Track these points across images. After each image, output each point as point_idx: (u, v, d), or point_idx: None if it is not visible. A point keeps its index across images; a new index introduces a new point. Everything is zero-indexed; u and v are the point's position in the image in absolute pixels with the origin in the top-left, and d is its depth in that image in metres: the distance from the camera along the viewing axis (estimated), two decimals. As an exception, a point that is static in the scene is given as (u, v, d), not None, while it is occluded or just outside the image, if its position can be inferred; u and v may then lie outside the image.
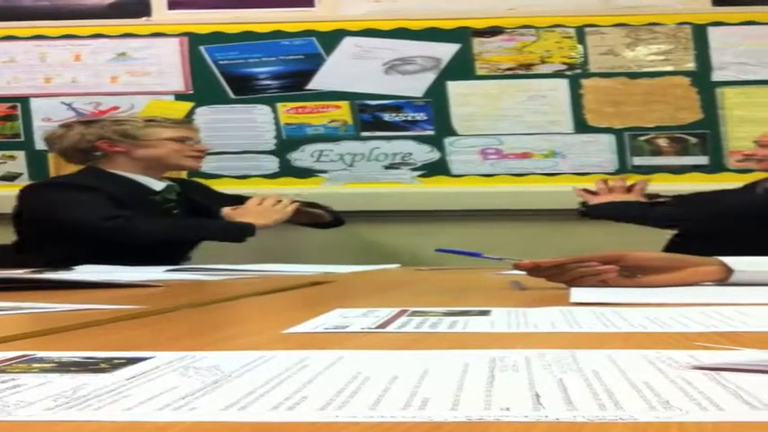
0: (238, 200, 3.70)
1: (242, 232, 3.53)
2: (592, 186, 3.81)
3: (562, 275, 1.78)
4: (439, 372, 0.70)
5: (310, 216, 3.79)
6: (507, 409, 0.56)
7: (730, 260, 1.76)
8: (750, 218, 3.45)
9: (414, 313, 1.21)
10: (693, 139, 4.16)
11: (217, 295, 1.86)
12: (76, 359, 0.80)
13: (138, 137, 3.52)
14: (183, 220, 3.58)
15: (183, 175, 3.93)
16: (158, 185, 3.55)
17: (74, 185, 3.50)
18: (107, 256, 3.10)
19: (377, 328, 1.07)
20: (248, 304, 1.64)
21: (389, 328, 1.06)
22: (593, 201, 3.74)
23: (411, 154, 4.26)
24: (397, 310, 1.25)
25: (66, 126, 3.65)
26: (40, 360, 0.79)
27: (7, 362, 0.78)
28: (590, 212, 3.71)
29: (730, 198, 3.67)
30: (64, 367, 0.75)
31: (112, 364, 0.76)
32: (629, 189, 3.78)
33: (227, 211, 3.60)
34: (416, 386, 0.64)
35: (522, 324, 1.09)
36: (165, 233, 3.44)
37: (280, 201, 3.66)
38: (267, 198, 3.67)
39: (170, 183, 3.61)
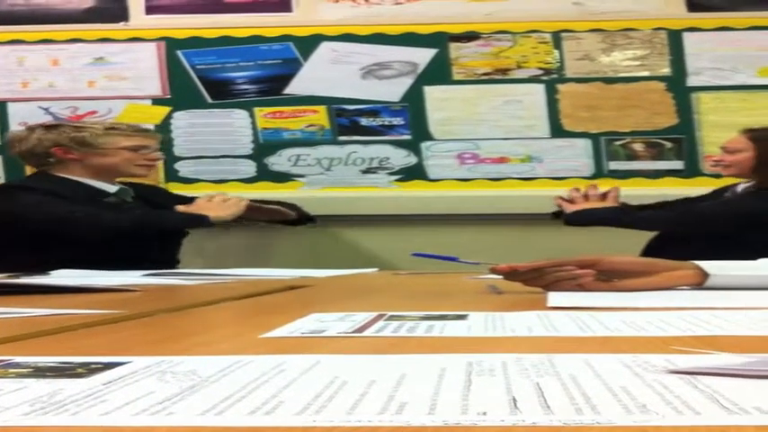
0: (191, 201, 3.72)
1: (195, 221, 3.56)
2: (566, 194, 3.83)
3: (539, 280, 1.78)
4: (416, 376, 0.70)
5: (269, 213, 3.81)
6: (484, 413, 0.56)
7: (706, 264, 1.77)
8: (726, 221, 3.47)
9: (391, 317, 1.21)
10: (669, 144, 4.19)
11: (194, 300, 1.86)
12: (53, 364, 0.79)
13: (94, 145, 3.54)
14: (144, 212, 3.61)
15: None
16: (111, 188, 3.58)
17: (26, 188, 3.54)
18: (86, 259, 3.10)
19: (354, 332, 1.07)
20: (225, 309, 1.64)
21: (366, 333, 1.06)
22: (571, 208, 3.76)
23: (388, 158, 4.27)
24: (374, 314, 1.25)
25: (30, 129, 3.67)
26: (17, 365, 0.79)
27: (-15, 366, 0.78)
28: (571, 220, 3.72)
29: (703, 203, 3.69)
30: (40, 372, 0.75)
31: (89, 369, 0.76)
32: (604, 196, 3.80)
33: (181, 207, 3.63)
34: (393, 390, 0.64)
35: (498, 328, 1.09)
36: (131, 222, 3.46)
37: (228, 199, 3.68)
38: (216, 195, 3.70)
39: (122, 186, 3.63)
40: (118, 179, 3.65)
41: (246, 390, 0.65)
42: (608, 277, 1.79)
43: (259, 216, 3.82)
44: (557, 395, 0.61)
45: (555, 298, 1.52)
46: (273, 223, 3.90)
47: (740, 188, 3.60)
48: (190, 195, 3.82)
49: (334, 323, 1.16)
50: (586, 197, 3.80)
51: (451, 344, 0.97)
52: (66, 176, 3.55)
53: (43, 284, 2.20)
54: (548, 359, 0.77)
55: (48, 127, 3.66)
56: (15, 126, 4.30)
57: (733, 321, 1.13)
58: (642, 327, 1.07)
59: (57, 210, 3.40)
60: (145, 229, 3.51)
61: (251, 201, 3.73)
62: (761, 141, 3.51)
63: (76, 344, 1.05)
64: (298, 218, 3.90)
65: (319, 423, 0.54)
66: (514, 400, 0.60)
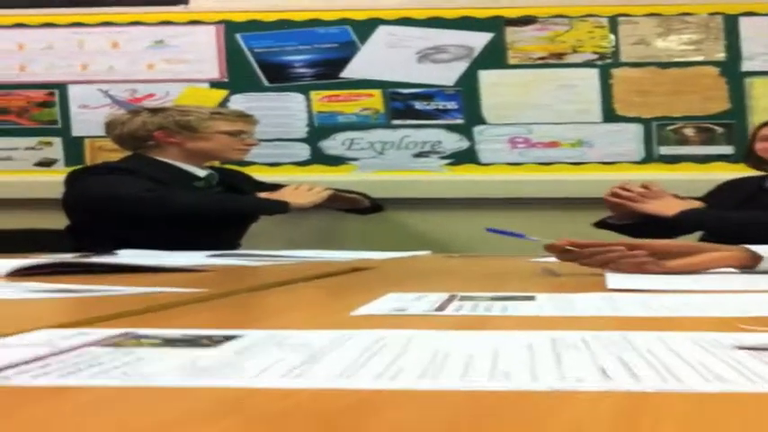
0: (277, 188, 3.79)
1: (275, 207, 3.63)
2: (634, 187, 3.59)
3: (591, 259, 1.86)
4: (508, 349, 0.79)
5: (347, 201, 3.88)
6: (580, 380, 0.64)
7: (758, 248, 1.83)
8: None
9: (463, 298, 1.30)
10: (720, 129, 4.21)
11: (269, 280, 1.94)
12: (177, 337, 0.88)
13: (197, 129, 3.62)
14: (223, 195, 3.70)
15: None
16: (201, 173, 3.67)
17: (120, 169, 3.62)
18: (156, 238, 3.19)
19: (435, 311, 1.15)
20: (302, 289, 1.72)
21: (447, 312, 1.15)
22: (644, 208, 3.57)
23: (440, 142, 4.33)
24: (446, 294, 1.33)
25: (134, 112, 3.76)
26: (145, 337, 0.87)
27: (117, 338, 0.86)
28: (684, 222, 3.45)
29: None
30: (171, 343, 0.84)
31: (212, 341, 0.84)
32: (675, 196, 3.61)
33: (263, 194, 3.71)
34: (494, 361, 0.72)
35: (568, 309, 1.17)
36: (203, 204, 3.55)
37: (313, 187, 3.76)
38: (303, 185, 3.77)
39: (211, 171, 3.72)
40: (208, 163, 3.75)
41: (363, 358, 0.73)
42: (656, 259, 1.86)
43: (338, 204, 3.89)
44: (640, 366, 0.69)
45: (614, 280, 1.60)
46: (347, 211, 3.99)
47: None
48: (274, 183, 3.90)
49: (412, 302, 1.24)
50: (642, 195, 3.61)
51: (530, 322, 1.05)
52: (161, 159, 3.64)
53: (115, 263, 2.27)
54: (622, 336, 0.86)
55: (153, 110, 3.75)
56: (76, 109, 4.40)
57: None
58: (702, 307, 1.15)
59: (131, 188, 3.48)
60: (221, 211, 3.59)
61: (335, 190, 3.80)
62: None
63: (182, 320, 1.13)
64: (371, 206, 3.98)
65: (438, 386, 0.62)
66: (604, 369, 0.68)
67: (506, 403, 0.57)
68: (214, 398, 0.60)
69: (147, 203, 3.46)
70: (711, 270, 1.84)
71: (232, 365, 0.71)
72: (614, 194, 3.59)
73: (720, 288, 1.44)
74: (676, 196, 3.61)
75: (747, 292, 1.36)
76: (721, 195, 3.64)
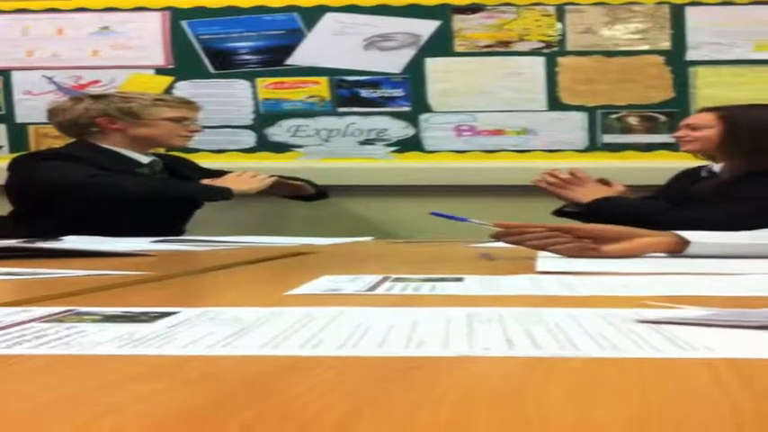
0: (222, 175, 3.83)
1: (218, 193, 3.66)
2: (561, 174, 3.70)
3: (537, 241, 1.93)
4: (427, 323, 0.84)
5: (291, 188, 3.91)
6: (488, 348, 0.70)
7: (687, 233, 1.91)
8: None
9: (396, 279, 1.35)
10: (663, 118, 4.27)
11: (210, 263, 1.99)
12: (116, 313, 0.93)
13: (140, 115, 3.64)
14: (166, 181, 3.72)
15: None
16: (145, 159, 3.70)
17: (65, 155, 3.64)
18: (100, 225, 3.22)
19: (367, 290, 1.21)
20: (242, 271, 1.78)
21: (378, 291, 1.20)
22: (569, 195, 3.68)
23: (386, 130, 4.37)
24: (380, 276, 1.39)
25: (76, 99, 3.77)
26: (87, 314, 0.92)
27: (59, 314, 0.91)
28: (597, 209, 3.51)
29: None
30: (110, 319, 0.89)
31: (150, 317, 0.89)
32: (604, 182, 3.72)
33: (207, 180, 3.74)
34: (411, 333, 0.78)
35: (494, 288, 1.23)
36: (147, 189, 3.57)
37: (257, 174, 3.79)
38: (247, 171, 3.81)
39: (155, 157, 3.75)
40: (152, 150, 3.78)
41: (290, 331, 0.79)
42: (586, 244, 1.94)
43: (282, 191, 3.93)
44: (544, 337, 0.75)
45: (543, 263, 1.67)
46: (291, 198, 4.02)
47: (716, 169, 3.61)
48: (219, 169, 3.93)
49: (346, 283, 1.30)
50: (581, 181, 3.67)
51: (453, 300, 1.11)
52: (105, 146, 3.66)
53: (60, 249, 2.30)
54: (536, 312, 0.91)
55: (95, 97, 3.77)
56: (20, 95, 4.41)
57: (700, 284, 1.28)
58: (618, 288, 1.21)
59: (78, 174, 3.51)
60: (165, 197, 3.62)
61: (279, 177, 3.84)
62: (727, 119, 3.55)
63: (124, 299, 1.18)
64: (315, 192, 4.02)
65: (358, 353, 0.68)
66: (510, 340, 0.74)
67: (415, 366, 0.63)
68: (146, 364, 0.65)
69: (93, 188, 3.48)
70: (644, 255, 1.91)
71: (165, 337, 0.76)
72: (542, 180, 3.70)
73: (640, 270, 1.51)
74: (604, 182, 3.70)
75: (664, 274, 1.43)
76: (677, 184, 3.72)
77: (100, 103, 3.70)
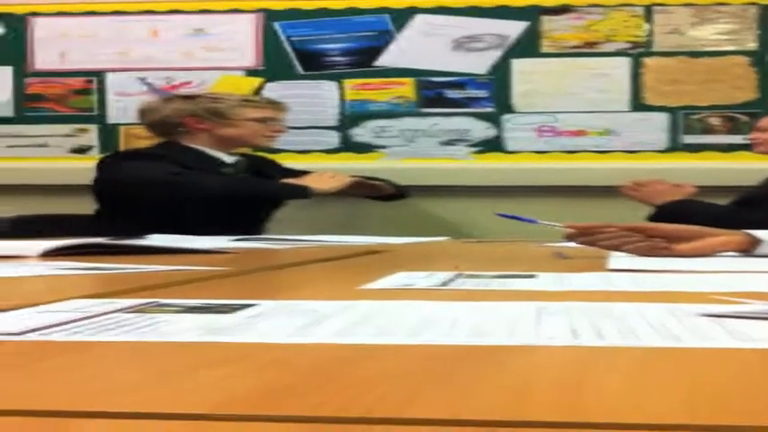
0: (303, 174, 3.87)
1: (296, 192, 3.70)
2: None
3: (609, 242, 1.95)
4: (495, 316, 0.87)
5: (370, 188, 3.94)
6: (552, 338, 0.72)
7: (758, 232, 1.91)
8: None
9: (468, 276, 1.38)
10: (744, 118, 4.23)
11: (287, 260, 2.02)
12: (197, 305, 0.96)
13: (227, 115, 3.70)
14: (246, 179, 3.78)
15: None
16: (229, 159, 3.75)
17: (148, 154, 3.71)
18: (181, 224, 3.28)
19: (439, 285, 1.24)
20: (318, 268, 1.81)
21: (450, 286, 1.23)
22: (641, 197, 3.72)
23: (469, 130, 4.38)
24: (453, 273, 1.42)
25: (166, 99, 3.85)
26: (168, 305, 0.96)
27: (142, 306, 0.95)
28: (658, 214, 3.55)
29: None
30: (191, 310, 0.92)
31: (229, 308, 0.93)
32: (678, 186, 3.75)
33: (287, 180, 3.78)
34: (478, 324, 0.80)
35: (564, 284, 1.25)
36: (228, 187, 3.62)
37: (336, 174, 3.83)
38: (327, 171, 3.85)
39: (240, 157, 3.81)
40: (238, 150, 3.84)
41: (362, 322, 0.82)
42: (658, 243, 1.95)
43: (362, 191, 3.96)
44: (608, 328, 0.77)
45: (615, 261, 1.68)
46: (371, 198, 4.05)
47: None
48: (301, 169, 3.98)
49: (420, 279, 1.33)
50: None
51: (523, 295, 1.13)
52: (191, 146, 3.73)
53: (144, 245, 2.35)
54: (604, 306, 0.93)
55: (185, 97, 3.84)
56: (113, 96, 4.49)
57: (766, 281, 1.29)
58: (686, 284, 1.23)
59: (159, 172, 3.58)
60: (244, 195, 3.67)
61: (358, 177, 3.87)
62: None
63: (205, 292, 1.22)
64: (395, 192, 4.05)
65: (424, 341, 0.71)
66: (575, 330, 0.76)
67: (478, 354, 0.65)
68: (223, 350, 0.68)
69: (174, 186, 3.54)
70: (714, 254, 1.91)
71: (244, 326, 0.79)
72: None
73: (710, 268, 1.52)
74: (678, 186, 3.72)
75: (733, 272, 1.44)
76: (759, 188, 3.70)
77: (189, 103, 3.76)
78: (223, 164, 3.74)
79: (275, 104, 3.89)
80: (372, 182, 3.94)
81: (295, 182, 3.75)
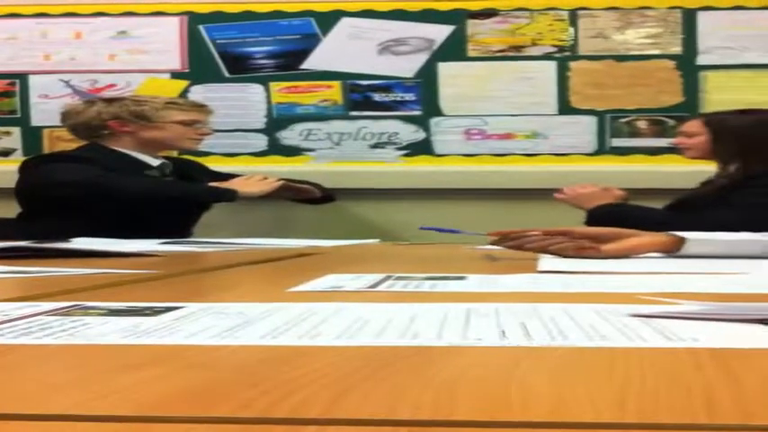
0: (231, 178, 3.85)
1: (222, 195, 3.68)
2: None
3: (535, 244, 1.96)
4: (424, 317, 0.86)
5: (298, 191, 3.93)
6: (480, 339, 0.72)
7: (683, 233, 1.93)
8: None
9: (398, 278, 1.38)
10: (671, 122, 4.27)
11: (216, 263, 2.01)
12: (122, 308, 0.95)
13: (151, 118, 3.67)
14: (171, 182, 3.75)
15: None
16: (154, 162, 3.72)
17: (73, 157, 3.67)
18: (106, 227, 3.25)
19: (369, 288, 1.23)
20: (247, 271, 1.80)
21: (379, 288, 1.22)
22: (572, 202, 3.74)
23: (397, 134, 4.38)
24: (383, 275, 1.41)
25: (89, 102, 3.81)
26: (92, 308, 0.95)
27: (66, 309, 0.93)
28: (589, 219, 3.55)
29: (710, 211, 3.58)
30: (115, 313, 0.91)
31: (154, 311, 0.91)
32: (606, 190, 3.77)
33: (214, 183, 3.76)
34: (408, 325, 0.80)
35: (493, 286, 1.26)
36: (149, 189, 3.59)
37: (266, 178, 3.81)
38: (254, 175, 3.83)
39: (165, 160, 3.78)
40: (163, 153, 3.80)
41: (290, 324, 0.81)
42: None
43: (289, 194, 3.95)
44: (537, 329, 0.77)
45: (544, 263, 1.69)
46: (299, 201, 4.04)
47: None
48: (229, 173, 3.95)
49: (349, 281, 1.32)
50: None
51: (453, 296, 1.13)
52: (116, 148, 3.69)
53: (68, 249, 2.31)
54: (532, 307, 0.93)
55: (108, 100, 3.80)
56: (36, 99, 4.44)
57: (695, 282, 1.30)
58: (615, 285, 1.23)
59: (83, 175, 3.54)
60: (165, 197, 3.63)
61: (285, 180, 3.86)
62: (712, 125, 3.58)
63: (131, 295, 1.20)
64: (322, 196, 4.04)
65: (354, 343, 0.70)
66: (503, 331, 0.76)
67: (407, 355, 0.65)
68: (148, 353, 0.67)
69: (93, 189, 3.51)
70: (640, 254, 1.94)
71: (169, 328, 0.78)
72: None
73: (638, 270, 1.53)
74: (606, 190, 3.73)
75: (661, 273, 1.45)
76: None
77: (113, 106, 3.73)
78: (148, 167, 3.71)
79: (200, 107, 3.87)
80: (300, 185, 3.93)
81: (221, 185, 3.73)
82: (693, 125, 3.65)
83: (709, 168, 3.68)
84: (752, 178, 3.41)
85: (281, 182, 3.81)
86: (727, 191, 3.42)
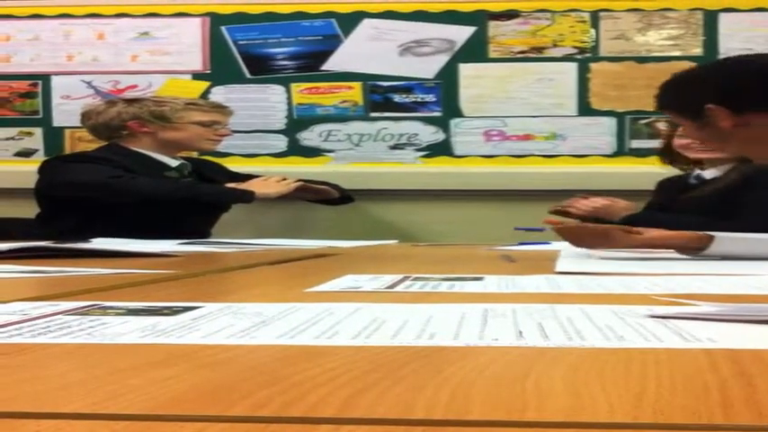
0: (249, 178, 3.86)
1: (240, 196, 3.69)
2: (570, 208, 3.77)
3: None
4: (441, 317, 0.86)
5: (316, 192, 3.94)
6: (496, 339, 0.72)
7: (713, 233, 1.93)
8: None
9: (416, 278, 1.38)
10: (692, 123, 4.27)
11: (234, 263, 2.02)
12: (140, 308, 0.95)
13: (171, 119, 3.69)
14: (189, 183, 3.76)
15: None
16: (173, 162, 3.74)
17: (91, 157, 3.69)
18: (124, 227, 3.27)
19: (386, 288, 1.23)
20: (265, 271, 1.80)
21: (397, 289, 1.23)
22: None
23: (417, 135, 4.40)
24: (401, 276, 1.42)
25: (110, 102, 3.83)
26: (111, 308, 0.95)
27: (84, 308, 0.94)
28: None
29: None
30: (134, 312, 0.91)
31: (173, 311, 0.92)
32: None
33: (231, 184, 3.78)
34: (424, 326, 0.80)
35: (510, 287, 1.26)
36: (165, 190, 3.61)
37: (285, 179, 3.82)
38: (273, 176, 3.85)
39: (183, 161, 3.79)
40: (182, 153, 3.82)
41: (307, 324, 0.81)
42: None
43: (307, 195, 3.96)
44: (554, 329, 0.77)
45: (562, 264, 1.69)
46: (317, 202, 4.05)
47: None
48: (248, 173, 3.96)
49: (367, 282, 1.32)
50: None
51: (470, 297, 1.13)
52: (135, 149, 3.71)
53: (87, 249, 2.33)
54: (550, 307, 0.93)
55: (129, 101, 3.83)
56: (58, 99, 4.46)
57: (715, 284, 1.30)
58: (634, 286, 1.23)
59: (99, 175, 3.55)
60: (182, 198, 3.65)
61: (303, 181, 3.87)
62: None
63: (150, 294, 1.21)
64: (340, 197, 4.05)
65: (370, 343, 0.70)
66: (520, 332, 0.76)
67: (423, 355, 0.65)
68: (165, 352, 0.67)
69: (111, 189, 3.52)
70: (663, 250, 1.94)
71: (187, 328, 0.78)
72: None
73: (658, 271, 1.53)
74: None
75: (681, 274, 1.45)
76: (663, 194, 3.71)
77: (133, 106, 3.75)
78: (167, 167, 3.72)
79: (220, 108, 3.88)
80: (318, 186, 3.94)
81: (239, 186, 3.74)
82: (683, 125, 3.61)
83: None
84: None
85: (298, 183, 3.82)
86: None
